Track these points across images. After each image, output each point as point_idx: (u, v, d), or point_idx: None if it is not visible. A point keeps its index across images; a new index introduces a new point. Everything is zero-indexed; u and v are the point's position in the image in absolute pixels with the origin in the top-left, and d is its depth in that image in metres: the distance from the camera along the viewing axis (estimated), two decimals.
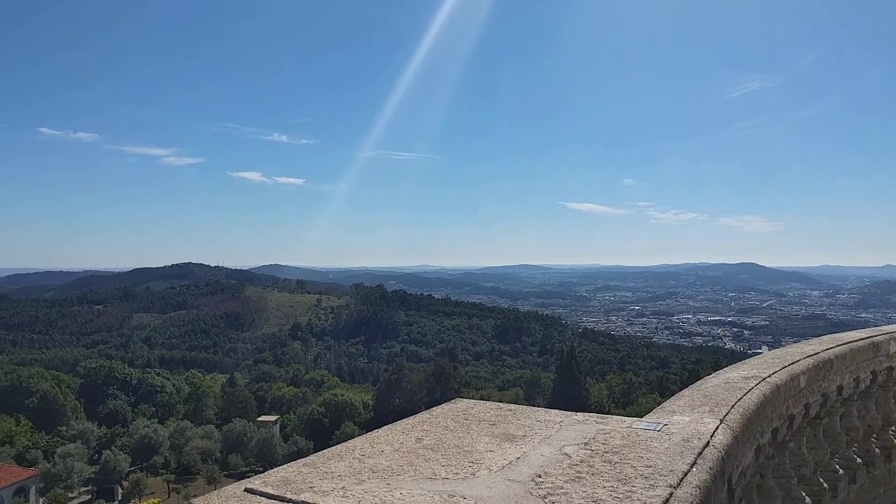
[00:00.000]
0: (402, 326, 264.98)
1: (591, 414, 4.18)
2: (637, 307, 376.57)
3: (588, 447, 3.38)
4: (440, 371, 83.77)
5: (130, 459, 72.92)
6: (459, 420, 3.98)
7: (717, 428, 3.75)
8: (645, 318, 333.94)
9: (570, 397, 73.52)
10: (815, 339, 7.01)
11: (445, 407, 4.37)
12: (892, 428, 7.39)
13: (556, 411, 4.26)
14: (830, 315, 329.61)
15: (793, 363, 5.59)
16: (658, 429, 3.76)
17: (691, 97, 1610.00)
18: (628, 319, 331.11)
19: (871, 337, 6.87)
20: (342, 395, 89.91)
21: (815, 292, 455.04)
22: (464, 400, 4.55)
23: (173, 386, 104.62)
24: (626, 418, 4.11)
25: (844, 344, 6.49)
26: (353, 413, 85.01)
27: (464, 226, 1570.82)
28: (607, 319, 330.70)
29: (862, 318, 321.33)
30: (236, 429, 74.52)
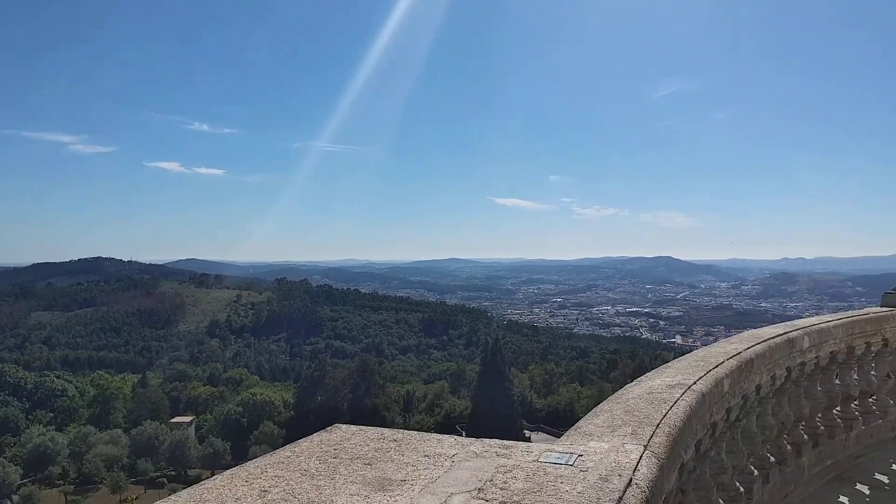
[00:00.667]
0: (326, 322, 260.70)
1: (491, 442, 3.41)
2: (559, 299, 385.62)
3: (482, 496, 2.62)
4: (364, 367, 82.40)
5: (22, 471, 67.68)
6: (327, 459, 3.11)
7: (641, 457, 3.08)
8: (567, 310, 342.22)
9: (493, 389, 73.80)
10: (735, 336, 6.80)
11: (315, 439, 3.47)
12: (802, 423, 7.53)
13: (451, 439, 3.45)
14: (736, 305, 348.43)
15: (717, 366, 5.23)
16: (571, 462, 3.04)
17: (617, 98, 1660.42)
18: (551, 311, 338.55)
19: (787, 333, 6.84)
20: (261, 395, 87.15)
21: (724, 284, 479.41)
22: (342, 428, 3.66)
23: (76, 389, 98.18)
24: (532, 447, 3.37)
25: (763, 341, 6.31)
26: (272, 412, 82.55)
27: (393, 220, 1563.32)
28: (531, 311, 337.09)
29: (762, 307, 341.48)
30: (146, 432, 70.60)
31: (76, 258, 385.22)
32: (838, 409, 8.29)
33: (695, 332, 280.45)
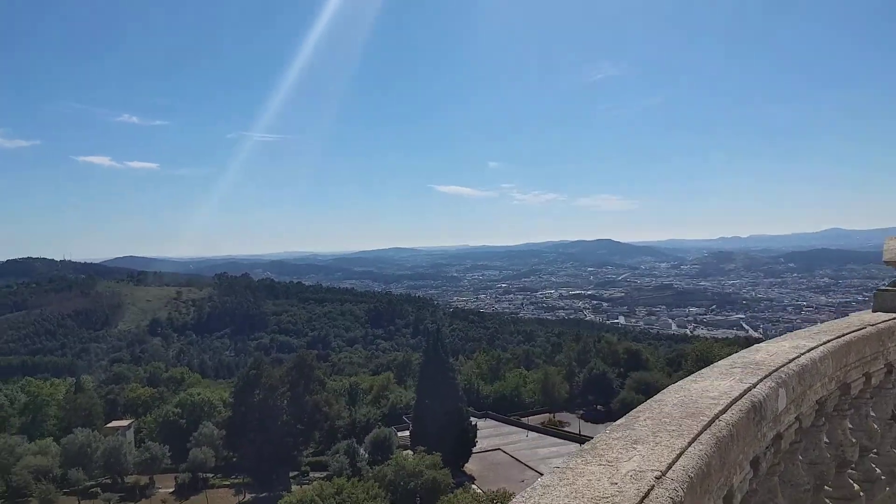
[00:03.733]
0: (270, 316, 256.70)
1: None
2: (504, 285, 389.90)
3: None
4: (301, 363, 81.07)
5: None
6: None
7: None
8: (511, 295, 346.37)
9: (437, 379, 73.80)
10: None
11: None
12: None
13: None
14: (676, 284, 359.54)
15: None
16: None
17: (552, 81, 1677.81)
18: (496, 297, 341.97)
19: (744, 393, 4.47)
20: (200, 394, 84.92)
21: (664, 264, 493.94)
22: None
23: (6, 397, 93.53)
24: None
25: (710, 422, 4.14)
26: (212, 413, 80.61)
27: (335, 210, 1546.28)
28: (477, 298, 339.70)
29: (702, 286, 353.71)
30: (77, 440, 67.81)
31: (4, 259, 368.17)
32: (830, 486, 5.28)
33: (637, 313, 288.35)
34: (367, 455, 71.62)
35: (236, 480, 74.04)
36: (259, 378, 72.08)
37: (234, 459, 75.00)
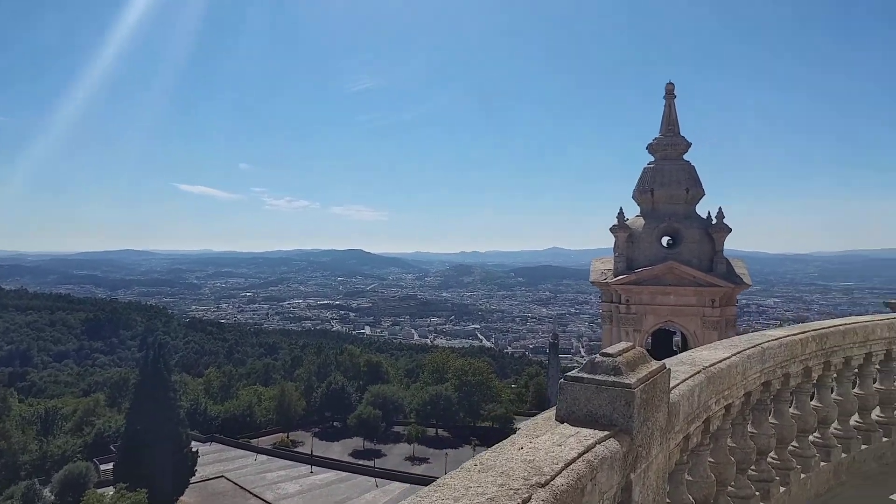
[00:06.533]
0: None
1: None
2: (249, 293, 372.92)
3: None
4: None
5: None
6: None
7: None
8: (256, 305, 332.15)
9: (154, 401, 64.59)
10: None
11: None
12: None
13: None
14: (420, 295, 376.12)
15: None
16: None
17: (311, 89, 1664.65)
18: (239, 307, 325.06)
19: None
20: None
21: (409, 276, 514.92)
22: None
23: None
24: None
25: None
26: None
27: (53, 203, 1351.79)
28: (218, 307, 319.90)
29: (444, 297, 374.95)
30: None
31: None
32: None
33: (383, 323, 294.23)
34: (53, 497, 59.81)
35: None
36: None
37: None
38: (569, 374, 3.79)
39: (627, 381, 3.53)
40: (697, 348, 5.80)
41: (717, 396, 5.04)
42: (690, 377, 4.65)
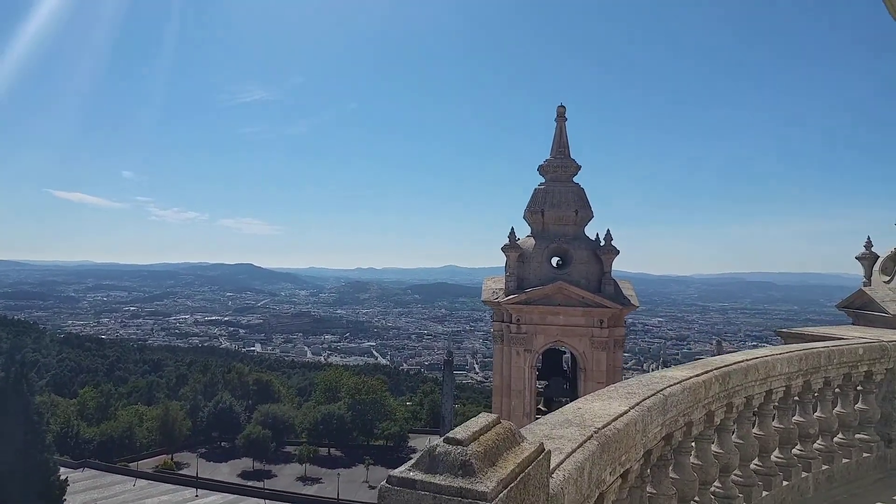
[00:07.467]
0: None
1: None
2: (133, 308, 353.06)
3: None
4: None
5: None
6: None
7: None
8: (140, 320, 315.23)
9: (13, 426, 60.74)
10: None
11: None
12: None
13: None
14: (314, 312, 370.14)
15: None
16: None
17: (200, 97, 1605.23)
18: (122, 322, 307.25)
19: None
20: None
21: (303, 291, 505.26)
22: None
23: None
24: None
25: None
26: None
27: None
28: (98, 322, 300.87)
29: (339, 313, 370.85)
30: None
31: None
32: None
33: (274, 340, 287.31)
34: None
35: None
36: None
37: None
38: (395, 472, 2.48)
39: (481, 488, 2.33)
40: (587, 397, 5.00)
41: (612, 465, 4.05)
42: (579, 447, 3.62)
